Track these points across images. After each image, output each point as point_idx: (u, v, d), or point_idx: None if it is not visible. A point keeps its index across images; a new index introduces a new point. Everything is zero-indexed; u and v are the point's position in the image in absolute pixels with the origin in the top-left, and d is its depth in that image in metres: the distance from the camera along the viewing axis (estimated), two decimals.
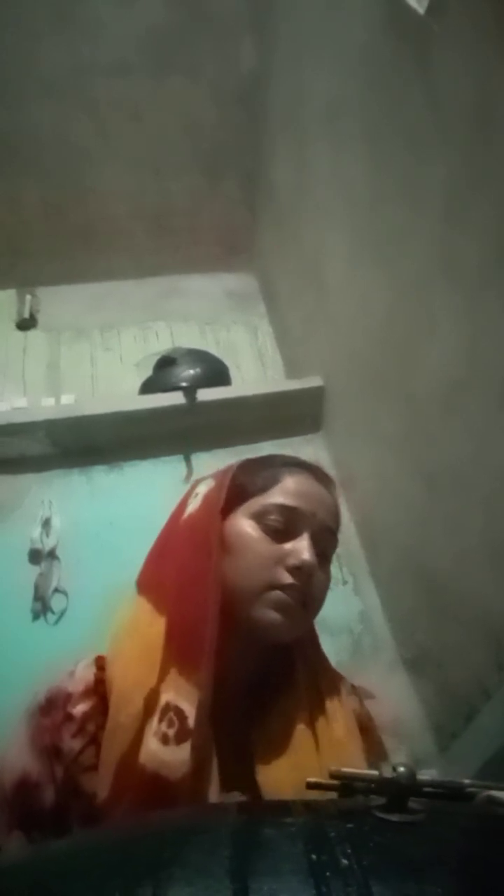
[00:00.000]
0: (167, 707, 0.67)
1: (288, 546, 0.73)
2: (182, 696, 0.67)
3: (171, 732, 0.66)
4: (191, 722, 0.66)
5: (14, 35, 2.54)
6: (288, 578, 0.71)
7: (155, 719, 0.67)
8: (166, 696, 0.68)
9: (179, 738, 0.66)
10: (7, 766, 0.71)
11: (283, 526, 0.74)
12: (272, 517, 0.74)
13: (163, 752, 0.65)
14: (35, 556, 2.23)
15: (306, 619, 0.76)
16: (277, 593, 0.71)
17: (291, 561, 0.72)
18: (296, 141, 2.58)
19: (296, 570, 0.72)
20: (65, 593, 2.16)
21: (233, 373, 2.91)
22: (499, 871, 0.42)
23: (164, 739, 0.66)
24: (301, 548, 0.72)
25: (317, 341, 2.69)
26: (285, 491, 0.76)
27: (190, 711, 0.67)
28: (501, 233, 1.39)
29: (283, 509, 0.74)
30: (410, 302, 1.83)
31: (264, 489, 0.77)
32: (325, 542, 0.77)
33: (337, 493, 0.82)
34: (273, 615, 0.71)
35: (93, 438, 2.47)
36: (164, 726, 0.66)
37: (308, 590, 0.73)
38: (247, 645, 0.74)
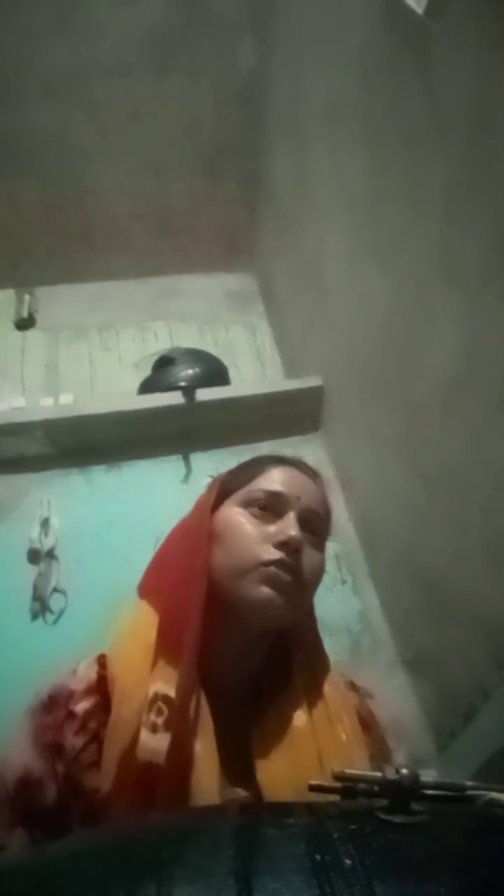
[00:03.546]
0: (155, 697, 0.68)
1: (274, 527, 0.75)
2: (169, 684, 0.68)
3: (159, 721, 0.67)
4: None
5: (14, 35, 2.54)
6: (276, 554, 0.72)
7: (146, 711, 0.68)
8: (154, 687, 0.69)
9: (168, 726, 0.66)
10: (10, 763, 0.72)
11: (269, 509, 0.76)
12: (258, 502, 0.76)
13: (151, 740, 0.66)
14: (34, 556, 2.23)
15: (301, 598, 0.76)
16: (267, 569, 0.72)
17: (279, 537, 0.73)
18: (296, 141, 2.58)
19: (283, 546, 0.72)
20: (63, 593, 2.16)
21: (232, 373, 2.91)
22: (500, 871, 0.42)
23: (153, 728, 0.67)
24: (287, 525, 0.74)
25: (316, 341, 2.70)
26: (270, 478, 0.78)
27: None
28: (501, 233, 1.39)
29: (268, 494, 0.76)
30: (410, 302, 1.83)
31: (250, 480, 0.79)
32: (314, 523, 0.78)
33: (323, 485, 0.83)
34: (265, 590, 0.71)
35: (91, 438, 2.48)
36: (152, 716, 0.67)
37: (297, 566, 0.73)
38: (243, 633, 0.74)
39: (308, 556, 0.74)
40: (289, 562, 0.72)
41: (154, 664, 0.70)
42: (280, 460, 0.82)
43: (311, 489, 0.80)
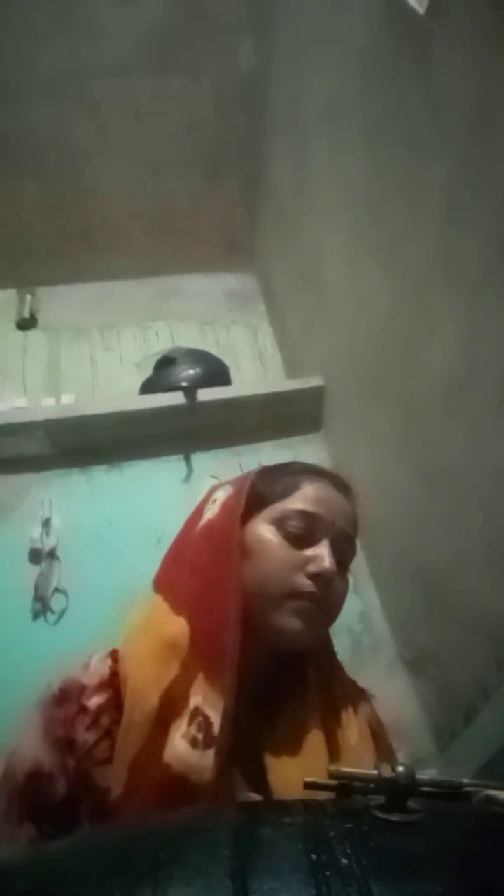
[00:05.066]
0: (196, 711, 0.67)
1: (308, 552, 0.73)
2: (208, 702, 0.67)
3: (200, 737, 0.66)
4: (216, 728, 0.66)
5: (14, 35, 2.54)
6: (308, 585, 0.71)
7: (184, 722, 0.67)
8: (195, 700, 0.68)
9: (207, 744, 0.66)
10: (20, 756, 0.71)
11: (303, 532, 0.74)
12: (292, 523, 0.74)
13: (191, 755, 0.65)
14: (35, 556, 2.23)
15: (324, 626, 0.76)
16: (298, 602, 0.71)
17: (312, 568, 0.71)
18: (296, 141, 2.58)
19: (316, 577, 0.71)
20: (65, 593, 2.16)
21: (233, 373, 2.91)
22: (497, 869, 0.42)
23: (194, 743, 0.66)
24: (321, 555, 0.72)
25: (316, 341, 2.70)
26: (305, 497, 0.75)
27: (215, 718, 0.67)
28: (501, 233, 1.39)
29: (304, 515, 0.74)
30: (410, 302, 1.83)
31: (284, 495, 0.76)
32: (344, 550, 0.76)
33: (355, 501, 0.81)
34: (294, 622, 0.70)
35: (93, 438, 2.48)
36: (193, 730, 0.66)
37: (327, 597, 0.72)
38: (263, 650, 0.73)
39: (336, 584, 0.73)
40: (319, 594, 0.71)
41: (192, 675, 0.69)
42: (315, 473, 0.80)
43: (346, 510, 0.78)
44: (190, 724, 0.67)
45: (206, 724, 0.66)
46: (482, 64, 1.35)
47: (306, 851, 0.40)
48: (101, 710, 0.70)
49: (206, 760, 0.65)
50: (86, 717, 0.70)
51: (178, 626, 0.72)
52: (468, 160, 1.47)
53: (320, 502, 0.75)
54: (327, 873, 0.39)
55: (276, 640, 0.72)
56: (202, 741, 0.66)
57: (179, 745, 0.66)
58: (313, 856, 0.40)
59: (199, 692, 0.68)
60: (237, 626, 0.69)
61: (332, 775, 0.52)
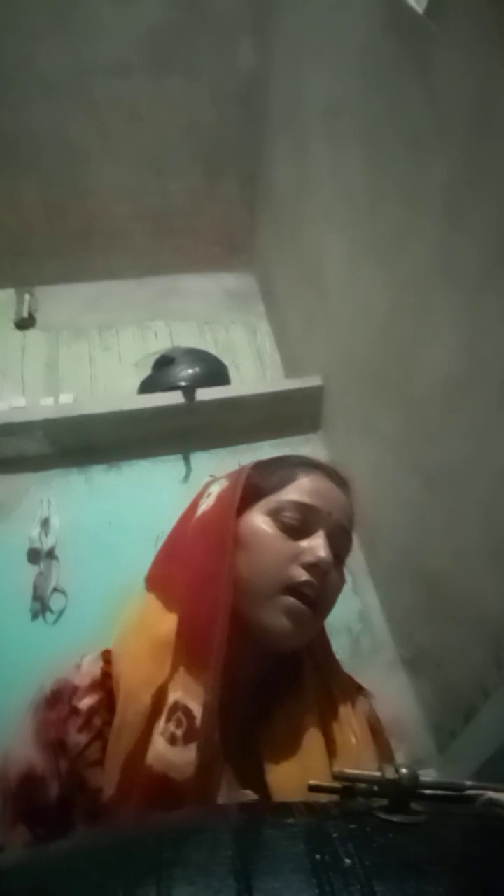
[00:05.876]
0: (175, 706, 0.66)
1: (304, 544, 0.72)
2: (191, 695, 0.66)
3: (179, 733, 0.65)
4: (199, 722, 0.65)
5: (14, 35, 2.54)
6: (304, 575, 0.70)
7: (163, 718, 0.66)
8: (174, 695, 0.67)
9: (187, 739, 0.65)
10: (12, 758, 0.70)
11: (299, 524, 0.73)
12: (288, 514, 0.73)
13: (170, 753, 0.64)
14: (34, 556, 2.23)
15: (316, 625, 0.75)
16: (291, 600, 0.70)
17: (307, 558, 0.71)
18: (295, 141, 2.58)
19: (312, 567, 0.71)
20: (63, 593, 2.16)
21: (232, 372, 2.91)
22: (499, 871, 0.42)
23: (172, 740, 0.65)
24: (317, 545, 0.71)
25: (316, 341, 2.69)
26: (301, 489, 0.75)
27: (198, 711, 0.65)
28: (501, 233, 1.39)
29: (299, 506, 0.73)
30: (410, 302, 1.83)
31: (280, 487, 0.76)
32: (340, 543, 0.76)
33: (351, 494, 0.80)
34: (284, 622, 0.70)
35: (91, 438, 2.47)
36: (171, 726, 0.65)
37: (323, 588, 0.72)
38: (258, 647, 0.72)
39: (332, 576, 0.73)
40: (315, 584, 0.70)
41: (173, 669, 0.68)
42: (311, 465, 0.79)
43: (342, 502, 0.77)
44: (168, 720, 0.66)
45: (188, 719, 0.65)
46: (482, 63, 1.35)
47: (309, 852, 0.40)
48: (92, 711, 0.70)
49: (186, 757, 0.64)
50: (77, 718, 0.70)
51: (170, 625, 0.71)
52: (468, 159, 1.47)
53: (316, 494, 0.75)
54: (330, 874, 0.39)
55: (265, 639, 0.71)
56: (181, 737, 0.65)
57: (158, 744, 0.65)
58: (317, 856, 0.40)
59: (178, 687, 0.67)
60: (226, 619, 0.68)
61: (336, 777, 0.52)
